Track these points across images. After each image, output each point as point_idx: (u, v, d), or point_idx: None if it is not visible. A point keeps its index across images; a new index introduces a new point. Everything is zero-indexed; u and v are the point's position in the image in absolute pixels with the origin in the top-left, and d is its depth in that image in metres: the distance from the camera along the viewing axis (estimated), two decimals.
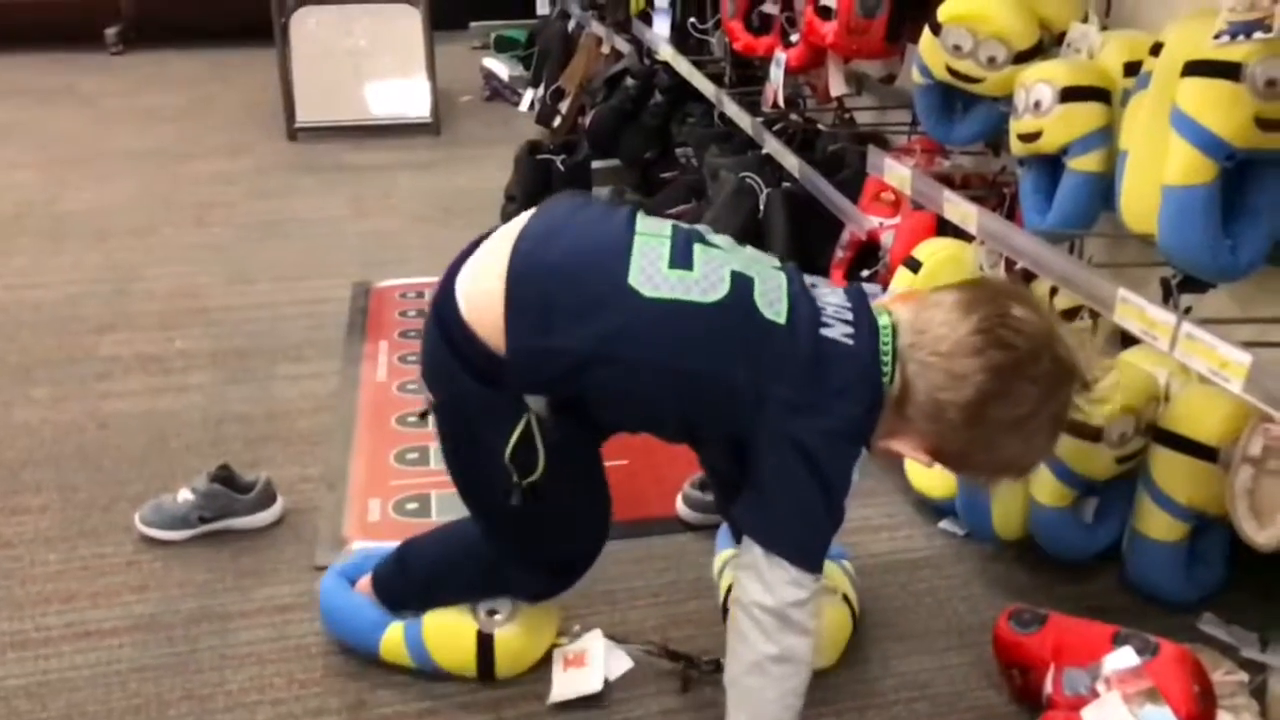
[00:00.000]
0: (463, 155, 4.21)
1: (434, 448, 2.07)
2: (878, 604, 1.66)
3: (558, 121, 4.01)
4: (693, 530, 1.83)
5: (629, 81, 3.30)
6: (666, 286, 1.20)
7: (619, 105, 3.31)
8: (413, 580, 1.51)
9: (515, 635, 1.48)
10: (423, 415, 1.40)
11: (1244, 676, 1.40)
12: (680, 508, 1.86)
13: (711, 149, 2.80)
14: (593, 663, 1.48)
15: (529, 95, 4.79)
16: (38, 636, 1.58)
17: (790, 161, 2.28)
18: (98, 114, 4.70)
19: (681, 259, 1.22)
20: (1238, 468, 1.43)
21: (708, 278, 1.21)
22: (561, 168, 3.07)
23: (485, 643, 1.46)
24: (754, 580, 1.20)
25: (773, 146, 2.36)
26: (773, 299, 1.22)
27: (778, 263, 1.31)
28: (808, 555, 1.20)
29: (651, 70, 3.29)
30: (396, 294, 2.81)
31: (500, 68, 5.12)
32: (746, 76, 2.94)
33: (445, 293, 1.28)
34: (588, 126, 3.43)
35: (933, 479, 1.83)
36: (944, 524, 1.84)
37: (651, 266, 1.21)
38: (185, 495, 1.80)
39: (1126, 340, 1.86)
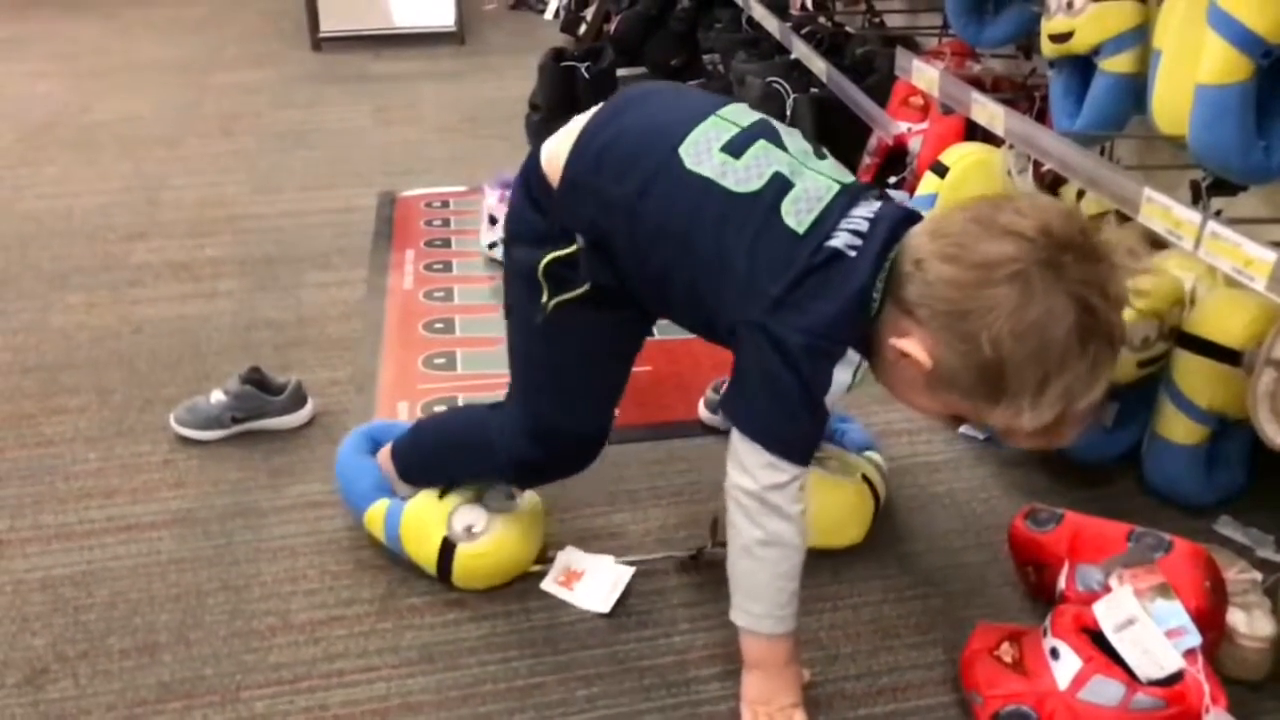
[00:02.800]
0: (487, 65, 4.16)
1: (461, 353, 2.11)
2: (896, 505, 1.68)
3: (583, 29, 3.95)
4: (714, 433, 1.85)
5: None
6: (708, 165, 1.22)
7: (645, 11, 3.25)
8: (422, 452, 1.56)
9: (477, 555, 1.48)
10: None
11: (1258, 575, 1.42)
12: (702, 411, 1.88)
13: (739, 55, 2.76)
14: (592, 579, 1.51)
15: (554, 2, 4.72)
16: (81, 529, 1.64)
17: (818, 66, 2.25)
18: (120, 24, 4.68)
19: (737, 148, 1.23)
20: (1260, 371, 1.43)
21: (749, 170, 1.22)
22: (586, 75, 3.03)
23: (447, 551, 1.48)
24: (735, 466, 1.24)
25: (800, 51, 2.32)
26: (803, 209, 1.20)
27: (844, 179, 1.26)
28: (783, 443, 1.21)
29: None
30: (422, 203, 2.82)
31: None
32: None
33: (534, 152, 1.36)
34: (613, 33, 3.38)
35: None
36: (964, 428, 1.86)
37: (705, 144, 1.24)
38: (218, 396, 1.84)
39: (1154, 246, 1.85)
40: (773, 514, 1.23)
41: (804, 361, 1.17)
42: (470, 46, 4.40)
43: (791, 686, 1.30)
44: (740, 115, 1.29)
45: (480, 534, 1.49)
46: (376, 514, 1.55)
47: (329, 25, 4.27)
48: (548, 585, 1.51)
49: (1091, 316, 1.07)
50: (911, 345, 1.14)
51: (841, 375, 1.19)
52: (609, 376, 1.43)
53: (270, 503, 1.70)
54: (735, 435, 1.24)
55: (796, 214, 1.20)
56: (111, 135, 3.34)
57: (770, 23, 2.48)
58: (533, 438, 1.42)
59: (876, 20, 2.49)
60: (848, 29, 2.48)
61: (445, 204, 2.81)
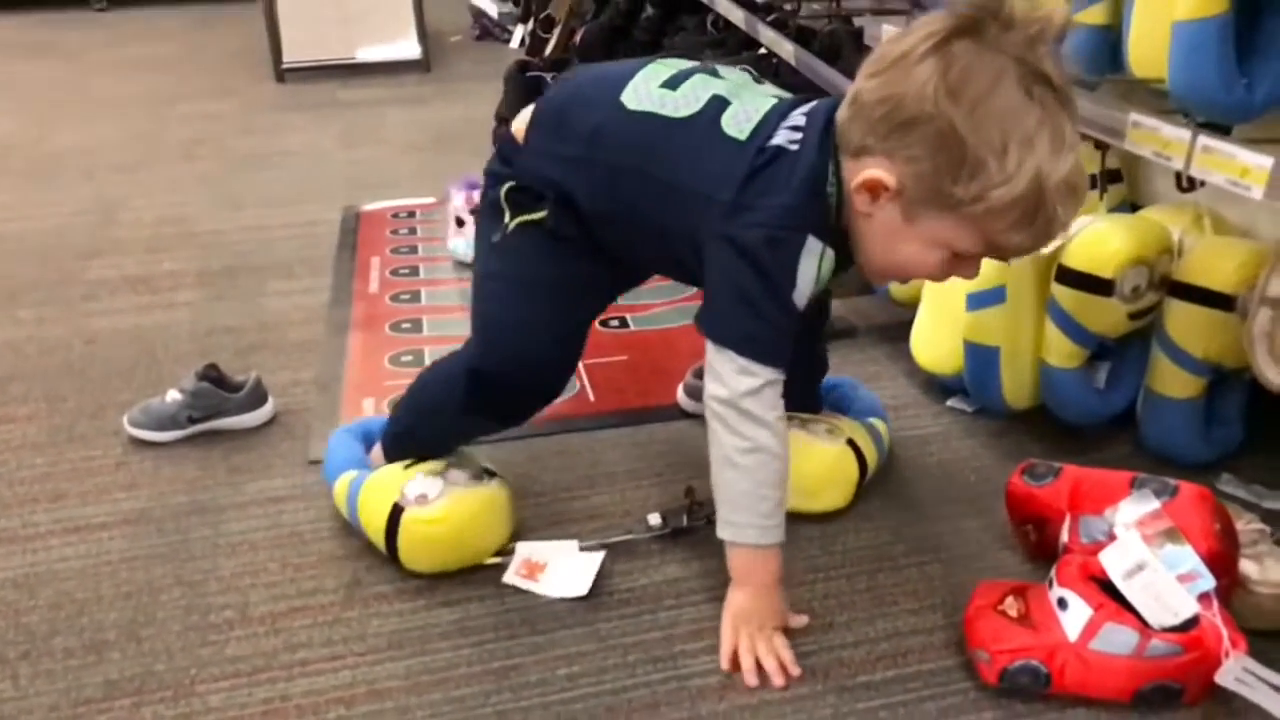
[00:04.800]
0: (454, 90, 4.13)
1: (429, 350, 2.04)
2: (887, 478, 1.61)
3: (548, 50, 3.93)
4: (693, 419, 1.78)
5: None
6: (648, 101, 1.27)
7: (609, 22, 3.23)
8: (395, 419, 1.53)
9: (424, 521, 1.38)
10: None
11: (1266, 527, 1.36)
12: (681, 397, 1.81)
13: (706, 54, 2.73)
14: (557, 569, 1.42)
15: (519, 31, 4.71)
16: (25, 533, 1.54)
17: (785, 49, 2.21)
18: (83, 66, 4.63)
19: (674, 82, 1.28)
20: (1256, 311, 1.38)
21: (685, 97, 1.26)
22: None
23: (394, 517, 1.40)
24: (711, 377, 1.23)
25: (767, 37, 2.30)
26: (742, 119, 1.22)
27: (781, 94, 1.30)
28: (753, 343, 1.20)
29: None
30: (388, 214, 2.76)
31: (489, 5, 5.04)
32: None
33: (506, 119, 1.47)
34: (578, 45, 3.36)
35: (939, 356, 1.77)
36: (952, 402, 1.80)
37: (645, 86, 1.28)
38: (173, 395, 1.75)
39: (1135, 210, 1.82)
40: (749, 420, 1.21)
41: (764, 254, 1.16)
42: (436, 74, 4.38)
43: (776, 610, 1.29)
44: (679, 62, 1.34)
45: (432, 501, 1.40)
46: (342, 485, 1.48)
47: (292, 56, 4.24)
48: (510, 579, 1.41)
49: (1025, 66, 1.07)
50: (871, 170, 1.13)
51: (807, 267, 1.17)
52: (561, 309, 1.39)
53: (229, 499, 1.61)
54: (708, 347, 1.23)
55: (737, 125, 1.22)
56: (69, 163, 3.27)
57: (735, 14, 2.45)
58: (483, 358, 1.40)
59: (840, 13, 2.47)
60: (814, 26, 2.45)
61: (412, 214, 2.75)
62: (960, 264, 1.19)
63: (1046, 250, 1.54)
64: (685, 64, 1.33)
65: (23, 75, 4.47)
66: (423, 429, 1.49)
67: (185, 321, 2.19)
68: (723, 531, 1.28)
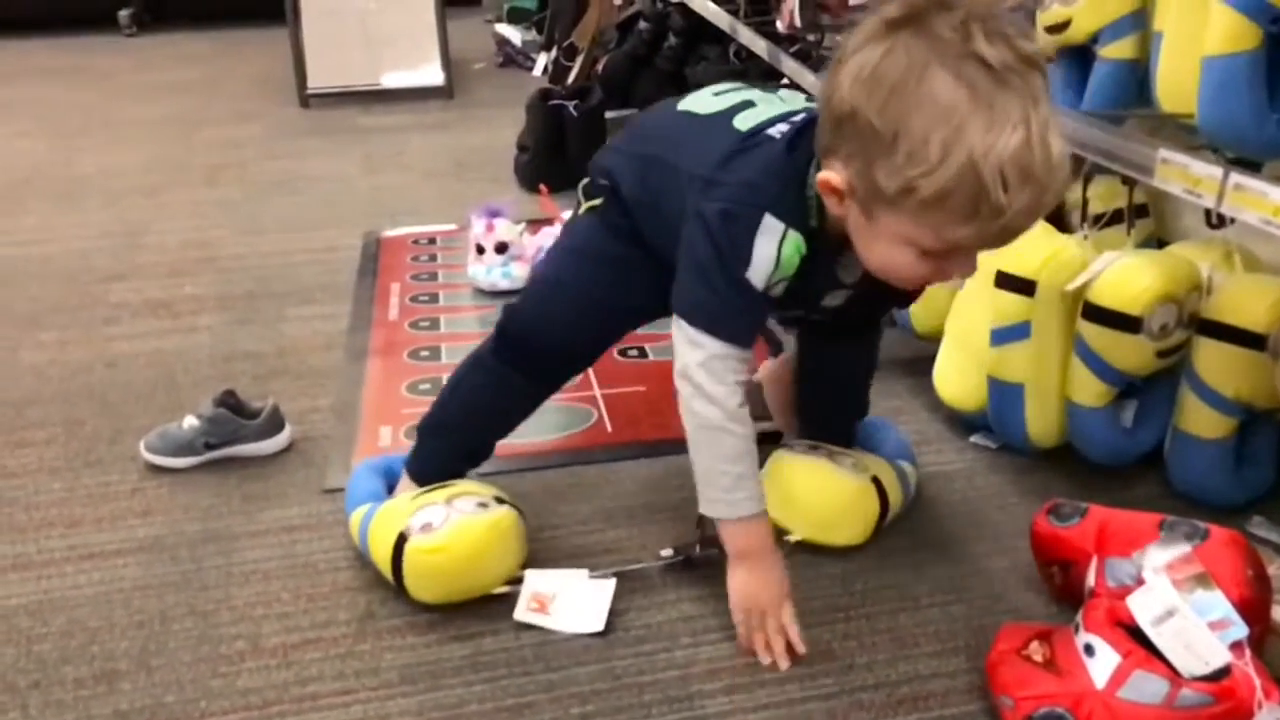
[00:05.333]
0: (476, 116, 4.15)
1: (447, 379, 2.02)
2: (909, 515, 1.58)
3: (571, 78, 3.94)
4: None
5: (642, 25, 3.23)
6: (692, 103, 1.37)
7: (631, 51, 3.24)
8: (421, 432, 1.57)
9: (427, 549, 1.37)
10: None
11: None
12: None
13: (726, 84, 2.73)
14: (568, 599, 1.40)
15: (542, 59, 4.73)
16: (40, 558, 1.54)
17: (809, 80, 2.21)
18: (110, 89, 4.67)
19: (724, 90, 1.37)
20: None
21: (721, 99, 1.34)
22: (574, 113, 3.00)
23: (399, 546, 1.38)
24: (674, 354, 1.27)
25: (790, 67, 2.29)
26: (753, 117, 1.27)
27: (812, 106, 1.31)
28: (700, 312, 1.23)
29: (665, 13, 3.22)
30: (409, 240, 2.76)
31: (513, 34, 5.06)
32: (761, 9, 2.86)
33: None
34: (601, 74, 3.36)
35: (962, 391, 1.75)
36: (975, 438, 1.77)
37: (702, 93, 1.38)
38: (190, 421, 1.75)
39: (1162, 245, 1.79)
40: (700, 396, 1.24)
41: (717, 226, 1.19)
42: (459, 100, 4.40)
43: (774, 581, 1.31)
44: (753, 86, 1.40)
45: (435, 530, 1.39)
46: (356, 518, 1.48)
47: (317, 81, 4.26)
48: (521, 615, 1.39)
49: (957, 47, 1.03)
50: (824, 172, 1.14)
51: (763, 246, 1.18)
52: (594, 281, 1.42)
53: (243, 528, 1.60)
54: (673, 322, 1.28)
55: (745, 120, 1.26)
56: (93, 187, 3.29)
57: (758, 44, 2.45)
58: (514, 309, 1.50)
59: None
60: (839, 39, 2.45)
61: (432, 241, 2.75)
62: (942, 263, 1.14)
63: (1073, 286, 1.52)
64: (758, 88, 1.39)
65: (52, 99, 4.52)
66: (455, 402, 1.53)
67: (205, 346, 2.19)
68: (700, 506, 1.32)
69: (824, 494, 1.49)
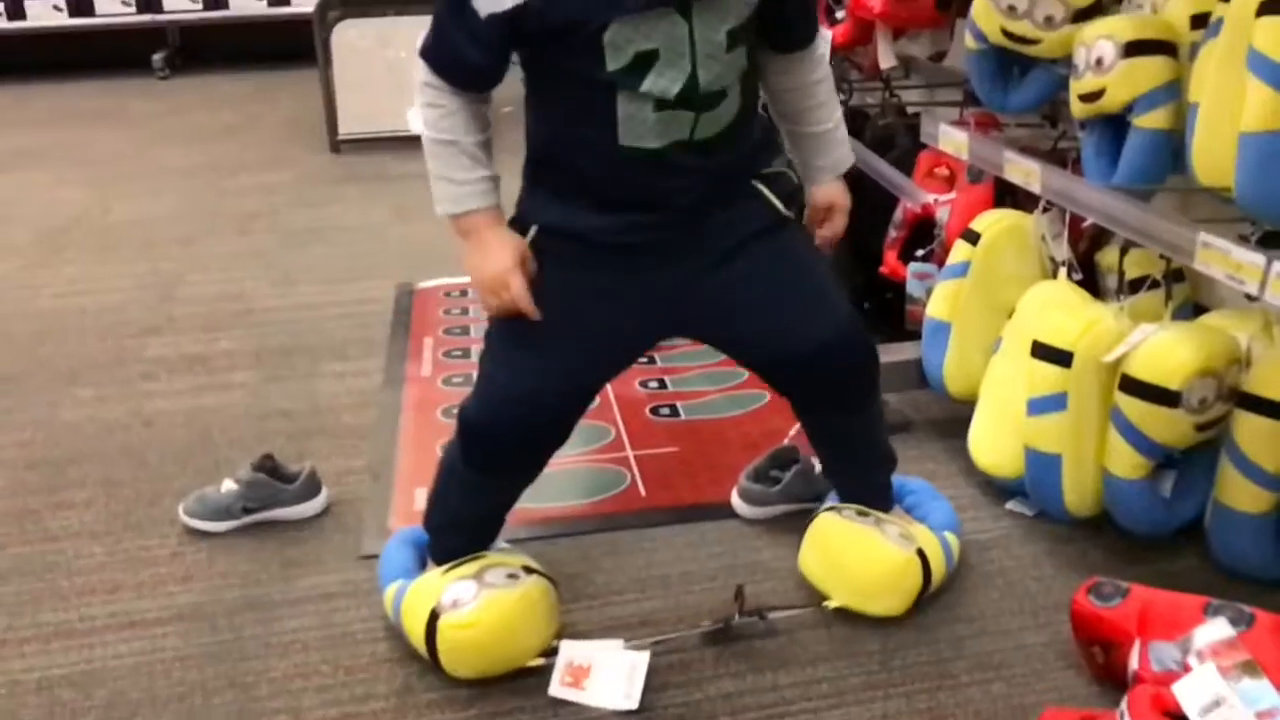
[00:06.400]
0: (505, 163, 4.17)
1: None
2: (947, 586, 1.58)
3: None
4: (747, 522, 1.76)
5: None
6: None
7: None
8: (427, 509, 1.56)
9: (460, 625, 1.39)
10: None
11: None
12: (735, 500, 1.78)
13: None
14: (604, 672, 1.40)
15: None
16: (82, 627, 1.55)
17: None
18: (144, 134, 4.75)
19: None
20: None
21: None
22: None
23: (432, 623, 1.40)
24: None
25: None
26: None
27: None
28: (426, 41, 1.32)
29: None
30: (441, 293, 2.79)
31: None
32: None
33: None
34: None
35: (999, 458, 1.75)
36: (1012, 504, 1.76)
37: None
38: (229, 485, 1.77)
39: (1199, 310, 1.79)
40: (420, 110, 1.34)
41: None
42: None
43: (492, 250, 1.34)
44: None
45: (466, 606, 1.40)
46: (390, 593, 1.49)
47: (347, 128, 4.32)
48: (556, 690, 1.39)
49: None
50: None
51: None
52: (558, 340, 1.39)
53: (282, 595, 1.61)
54: None
55: None
56: (129, 236, 3.34)
57: None
58: (474, 399, 1.44)
59: (893, 97, 2.47)
60: (866, 109, 2.46)
61: (464, 293, 2.77)
62: None
63: (1110, 358, 1.52)
64: None
65: (87, 144, 4.60)
66: (445, 508, 1.53)
67: (240, 403, 2.22)
68: (435, 209, 1.39)
69: (868, 563, 1.49)
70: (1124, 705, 1.20)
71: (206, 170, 4.11)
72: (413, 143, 4.88)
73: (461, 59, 1.30)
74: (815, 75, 1.45)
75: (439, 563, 1.51)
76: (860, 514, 1.56)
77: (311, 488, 1.80)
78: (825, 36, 1.47)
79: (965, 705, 1.36)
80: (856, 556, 1.51)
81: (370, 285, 2.87)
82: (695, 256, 1.39)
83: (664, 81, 1.25)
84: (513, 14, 1.23)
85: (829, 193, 1.52)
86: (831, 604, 1.50)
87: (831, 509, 1.59)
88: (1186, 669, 1.21)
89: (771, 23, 1.36)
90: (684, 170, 1.33)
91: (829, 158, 1.51)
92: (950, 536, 1.58)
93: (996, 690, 1.38)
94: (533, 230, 1.39)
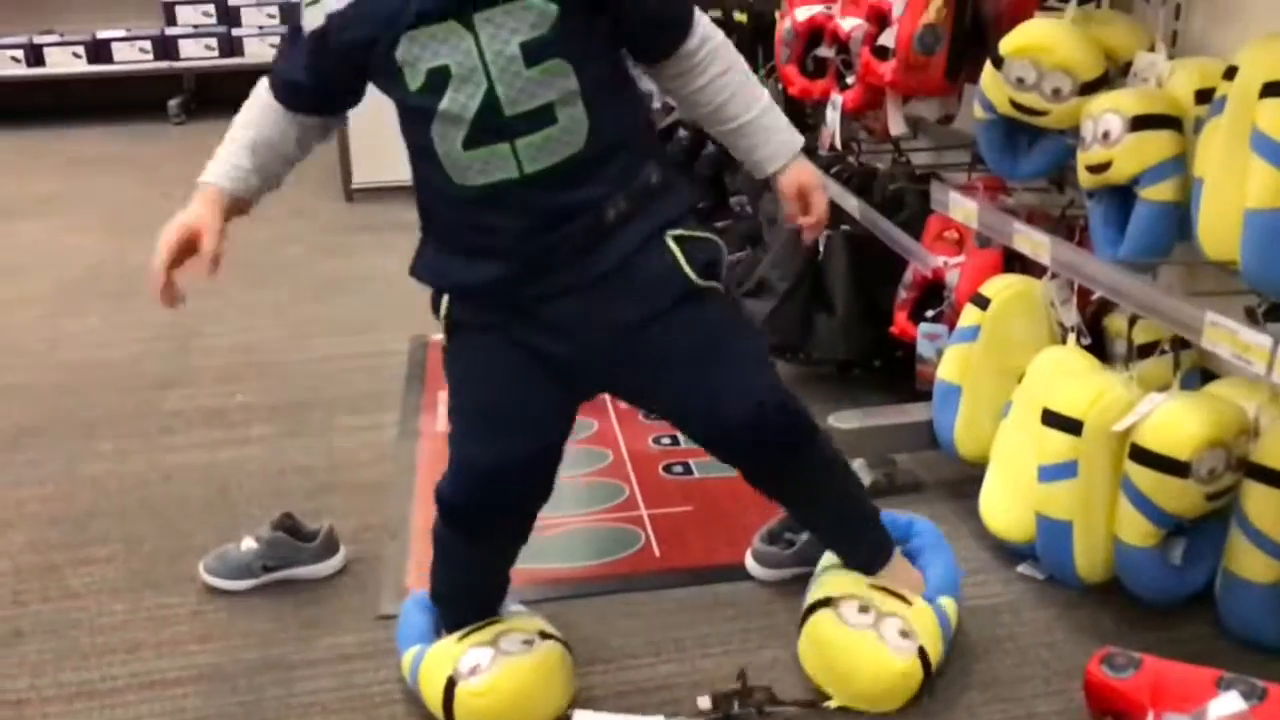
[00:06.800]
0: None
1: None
2: (957, 651, 1.59)
3: None
4: (762, 585, 1.77)
5: (681, 133, 3.31)
6: None
7: (671, 157, 3.31)
8: (431, 580, 1.57)
9: (476, 693, 1.42)
10: None
11: None
12: (750, 563, 1.79)
13: (766, 196, 2.78)
14: None
15: None
16: (104, 687, 1.57)
17: (850, 203, 2.26)
18: (160, 180, 4.80)
19: None
20: None
21: None
22: None
23: (449, 690, 1.43)
24: None
25: (832, 190, 2.34)
26: None
27: None
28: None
29: None
30: None
31: None
32: (798, 123, 2.92)
33: None
34: None
35: (1010, 523, 1.77)
36: (1023, 568, 1.78)
37: None
38: (249, 544, 1.79)
39: (1207, 376, 1.81)
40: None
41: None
42: None
43: (192, 207, 1.42)
44: None
45: (482, 676, 1.42)
46: (408, 659, 1.51)
47: (362, 177, 4.38)
48: None
49: None
50: None
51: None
52: (502, 411, 1.40)
53: (300, 655, 1.63)
54: None
55: None
56: (143, 287, 3.36)
57: None
58: (448, 477, 1.44)
59: (903, 159, 2.51)
60: (877, 165, 2.50)
61: None
62: None
63: (1120, 428, 1.54)
64: None
65: (105, 190, 4.66)
66: (445, 580, 1.54)
67: (257, 458, 2.24)
68: None
69: (869, 673, 1.46)
70: None
71: None
72: None
73: (284, 71, 1.36)
74: (702, 77, 1.35)
75: (450, 631, 1.53)
76: (861, 610, 1.49)
77: (330, 547, 1.82)
78: (708, 32, 1.34)
79: None
80: (857, 664, 1.46)
81: (385, 337, 2.90)
82: (598, 324, 1.34)
83: (461, 98, 1.22)
84: (322, 32, 1.29)
85: (792, 177, 1.43)
86: (832, 704, 1.47)
87: (830, 606, 1.50)
88: None
89: (623, 35, 1.30)
90: (525, 209, 1.27)
91: (768, 146, 1.42)
92: (947, 604, 1.56)
93: None
94: (444, 302, 1.40)
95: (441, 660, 1.47)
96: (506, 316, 1.37)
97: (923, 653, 1.48)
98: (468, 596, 1.55)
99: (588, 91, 1.25)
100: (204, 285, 3.55)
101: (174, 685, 1.57)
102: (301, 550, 1.79)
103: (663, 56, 1.35)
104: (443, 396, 2.50)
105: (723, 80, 1.36)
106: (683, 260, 1.34)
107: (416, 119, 1.27)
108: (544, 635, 1.51)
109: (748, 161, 1.44)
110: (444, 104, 1.23)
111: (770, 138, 1.41)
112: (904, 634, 1.48)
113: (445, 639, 1.51)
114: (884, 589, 1.54)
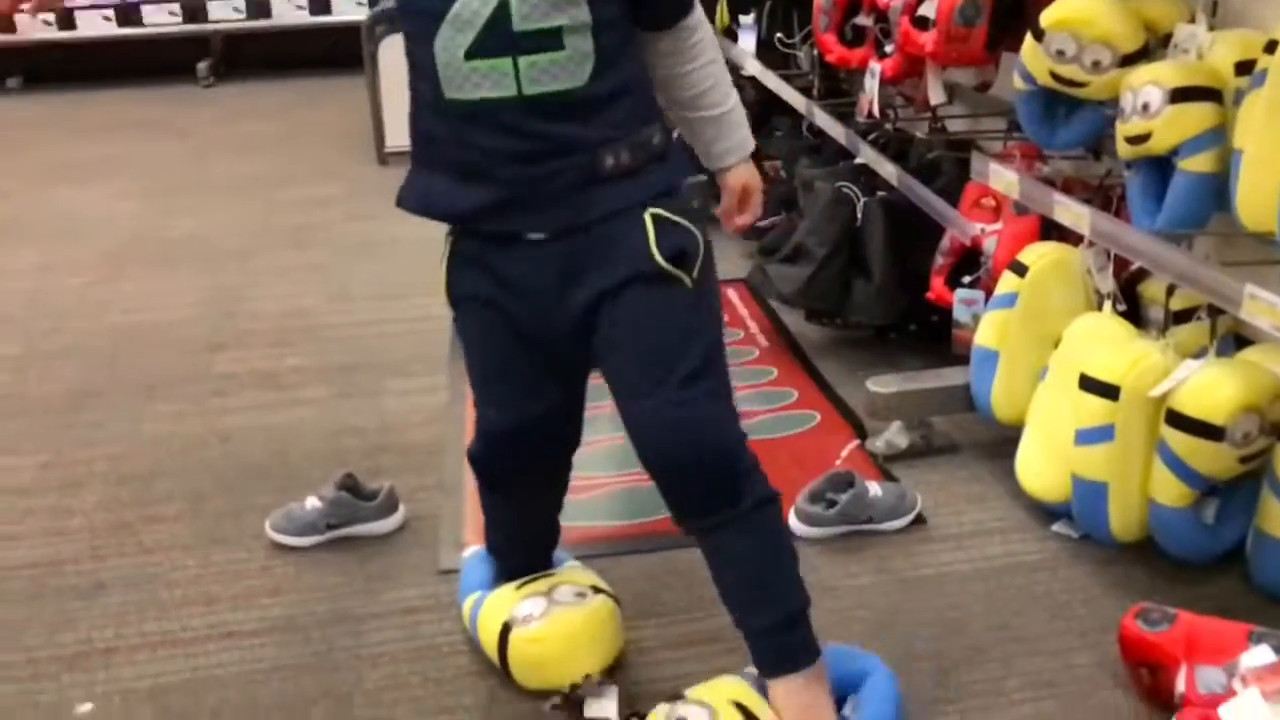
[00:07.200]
0: None
1: None
2: (994, 607, 1.66)
3: None
4: (805, 542, 1.84)
5: None
6: None
7: None
8: (495, 561, 1.65)
9: (529, 639, 1.50)
10: None
11: None
12: (793, 521, 1.85)
13: (802, 161, 2.83)
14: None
15: None
16: (185, 636, 1.66)
17: (888, 170, 2.30)
18: (193, 145, 4.88)
19: None
20: None
21: None
22: None
23: (504, 634, 1.51)
24: None
25: (868, 156, 2.38)
26: None
27: None
28: None
29: (738, 85, 3.31)
30: None
31: None
32: (833, 89, 2.96)
33: None
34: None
35: (1046, 484, 1.83)
36: (1057, 526, 1.84)
37: None
38: (313, 503, 1.87)
39: (1241, 341, 1.86)
40: None
41: None
42: None
43: None
44: None
45: (535, 623, 1.50)
46: (468, 606, 1.60)
47: (395, 141, 4.42)
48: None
49: None
50: None
51: None
52: (478, 362, 1.47)
53: (367, 609, 1.71)
54: None
55: None
56: (188, 251, 3.45)
57: (836, 129, 2.55)
58: (475, 438, 1.52)
59: (939, 125, 2.55)
60: (914, 132, 2.54)
61: None
62: None
63: (1156, 393, 1.60)
64: None
65: (139, 155, 4.72)
66: (494, 532, 1.63)
67: (312, 420, 2.32)
68: None
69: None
70: None
71: (257, 182, 4.22)
72: None
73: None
74: (693, 62, 1.38)
75: (508, 580, 1.61)
76: (698, 704, 1.33)
77: (390, 505, 1.90)
78: (703, 20, 1.39)
79: None
80: None
81: (425, 301, 2.95)
82: (553, 285, 1.33)
83: (475, 3, 1.21)
84: None
85: (739, 175, 1.46)
86: None
87: (675, 700, 1.36)
88: (1232, 693, 1.29)
89: None
90: (519, 132, 1.26)
91: (729, 140, 1.44)
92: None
93: (1047, 708, 1.47)
94: (448, 242, 1.40)
95: (498, 607, 1.55)
96: (499, 255, 1.35)
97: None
98: (517, 546, 1.63)
99: (598, 28, 1.26)
100: (244, 249, 3.64)
101: (250, 636, 1.66)
102: (363, 508, 1.87)
103: (667, 25, 1.36)
104: None
105: (709, 69, 1.40)
106: (652, 239, 1.30)
107: (425, 23, 1.25)
108: (596, 590, 1.58)
109: (705, 151, 1.46)
110: (457, 6, 1.22)
111: (733, 133, 1.44)
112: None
113: (503, 587, 1.59)
114: (747, 711, 1.34)
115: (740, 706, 1.34)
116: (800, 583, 1.40)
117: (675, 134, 1.42)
